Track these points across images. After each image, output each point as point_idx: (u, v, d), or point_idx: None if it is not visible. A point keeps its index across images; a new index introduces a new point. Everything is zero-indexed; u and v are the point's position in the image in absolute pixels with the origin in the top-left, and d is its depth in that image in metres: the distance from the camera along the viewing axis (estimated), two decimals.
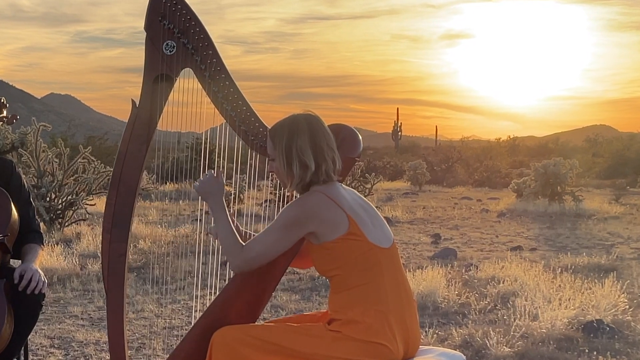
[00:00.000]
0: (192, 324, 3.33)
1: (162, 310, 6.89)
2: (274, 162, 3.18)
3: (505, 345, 5.64)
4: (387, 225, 3.26)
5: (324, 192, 3.08)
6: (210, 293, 3.48)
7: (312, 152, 3.08)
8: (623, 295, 6.86)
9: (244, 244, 3.14)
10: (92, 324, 6.44)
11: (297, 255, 3.33)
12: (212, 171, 3.32)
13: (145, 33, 3.35)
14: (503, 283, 7.84)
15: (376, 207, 3.34)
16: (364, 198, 3.31)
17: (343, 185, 3.23)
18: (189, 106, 3.40)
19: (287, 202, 3.41)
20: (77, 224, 12.69)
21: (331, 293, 3.16)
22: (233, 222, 3.49)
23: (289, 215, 3.07)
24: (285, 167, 3.12)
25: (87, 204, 12.90)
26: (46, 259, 8.62)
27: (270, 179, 3.41)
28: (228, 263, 3.20)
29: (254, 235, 3.46)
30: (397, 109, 72.99)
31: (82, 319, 6.63)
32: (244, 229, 3.54)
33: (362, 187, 19.33)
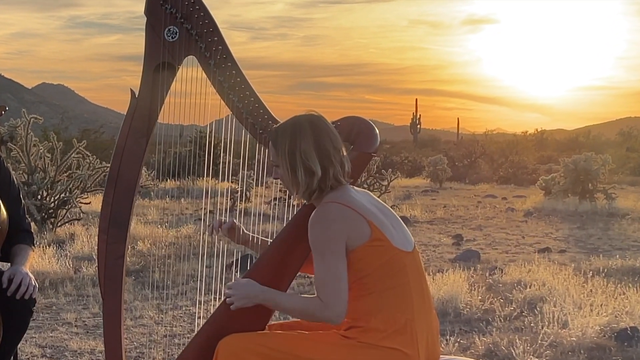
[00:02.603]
0: (195, 332, 3.33)
1: (162, 317, 6.90)
2: (278, 169, 3.16)
3: (533, 355, 5.64)
4: (407, 228, 3.25)
5: (337, 201, 3.05)
6: (215, 299, 3.48)
7: (317, 156, 3.05)
8: None
9: (314, 295, 3.07)
10: (87, 332, 6.45)
11: (307, 260, 3.31)
12: (235, 280, 3.22)
13: (146, 18, 3.36)
14: (530, 288, 7.83)
15: (393, 205, 3.33)
16: (378, 199, 3.29)
17: (355, 188, 3.22)
18: (192, 97, 3.39)
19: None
20: (71, 224, 12.71)
21: (349, 299, 3.09)
22: (235, 224, 3.49)
23: (321, 241, 3.01)
24: (290, 174, 3.09)
25: (82, 203, 12.93)
26: (37, 262, 8.64)
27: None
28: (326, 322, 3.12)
29: (263, 239, 3.46)
30: (416, 99, 72.91)
31: (76, 326, 6.64)
32: (251, 233, 3.53)
33: (378, 184, 19.30)
